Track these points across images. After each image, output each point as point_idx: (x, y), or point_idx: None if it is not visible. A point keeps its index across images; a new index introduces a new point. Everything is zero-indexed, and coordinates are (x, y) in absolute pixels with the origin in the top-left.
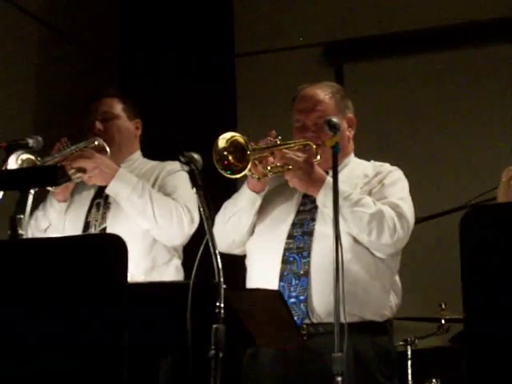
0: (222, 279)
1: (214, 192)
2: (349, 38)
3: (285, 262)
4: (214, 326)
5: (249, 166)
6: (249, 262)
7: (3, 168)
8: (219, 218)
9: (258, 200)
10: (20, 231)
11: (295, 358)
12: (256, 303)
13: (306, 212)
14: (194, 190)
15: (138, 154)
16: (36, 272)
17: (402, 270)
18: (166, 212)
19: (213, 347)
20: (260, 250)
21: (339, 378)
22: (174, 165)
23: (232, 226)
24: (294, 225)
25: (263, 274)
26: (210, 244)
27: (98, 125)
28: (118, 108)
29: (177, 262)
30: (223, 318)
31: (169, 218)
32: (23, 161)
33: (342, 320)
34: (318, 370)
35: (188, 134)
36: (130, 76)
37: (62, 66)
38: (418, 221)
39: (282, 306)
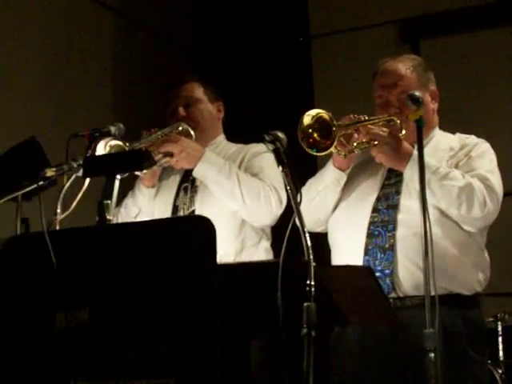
0: (311, 257)
1: (298, 171)
2: (425, 14)
3: (370, 235)
4: (305, 304)
5: (335, 143)
6: (332, 238)
7: (88, 154)
8: (304, 197)
9: (343, 178)
10: (108, 216)
11: (383, 333)
12: (346, 280)
13: (391, 185)
14: (280, 168)
15: (221, 137)
16: (125, 257)
17: (490, 245)
18: (253, 192)
19: (305, 326)
20: (344, 225)
21: (432, 355)
22: (259, 147)
23: (317, 205)
24: (378, 199)
25: (348, 248)
26: (299, 222)
27: (181, 110)
28: (199, 92)
29: (266, 243)
30: (314, 296)
31: (257, 198)
32: (111, 147)
33: (432, 293)
34: (407, 344)
35: (267, 116)
36: (206, 61)
37: (138, 55)
38: (505, 194)
39: (372, 282)
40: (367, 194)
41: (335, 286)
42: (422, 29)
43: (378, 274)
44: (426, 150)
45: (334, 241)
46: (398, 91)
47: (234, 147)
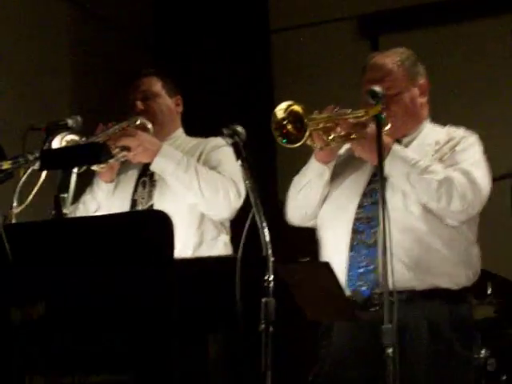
0: (270, 252)
1: (257, 164)
2: (383, 10)
3: (354, 231)
4: (264, 299)
5: (306, 136)
6: (320, 233)
7: (45, 148)
8: (290, 192)
9: (326, 171)
10: (64, 210)
11: (367, 327)
12: (305, 276)
13: (377, 181)
14: (239, 162)
15: (180, 132)
16: (82, 251)
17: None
18: (211, 185)
19: (263, 321)
20: (331, 221)
21: (390, 350)
22: (217, 140)
23: (302, 199)
24: (364, 195)
25: (334, 244)
26: (257, 216)
27: (139, 104)
28: (158, 86)
29: (225, 237)
30: (273, 292)
31: (215, 191)
32: (67, 142)
33: (417, 287)
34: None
35: (226, 110)
36: (165, 54)
37: (97, 47)
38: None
39: (331, 278)
40: (354, 189)
41: (294, 281)
42: (381, 24)
43: (361, 270)
44: (412, 144)
45: (321, 237)
46: (384, 86)
47: (192, 141)
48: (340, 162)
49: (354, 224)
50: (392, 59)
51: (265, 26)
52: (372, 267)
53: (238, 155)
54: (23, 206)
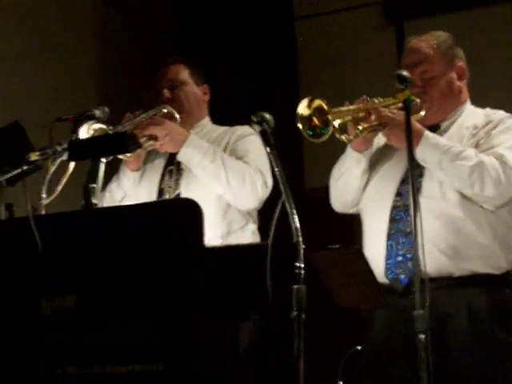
0: (300, 239)
1: (284, 153)
2: None
3: (392, 220)
4: (295, 286)
5: (330, 130)
6: (362, 223)
7: (73, 138)
8: (331, 180)
9: (362, 159)
10: (93, 200)
11: (405, 315)
12: (336, 262)
13: (415, 168)
14: (268, 149)
15: (207, 120)
16: (112, 241)
17: None
18: (238, 175)
19: (295, 308)
20: (369, 208)
21: (422, 336)
22: (244, 129)
23: (342, 187)
24: (402, 182)
25: (372, 232)
26: (287, 203)
27: (166, 93)
28: (185, 74)
29: (252, 226)
30: (304, 279)
31: (242, 182)
32: (95, 131)
33: (455, 274)
34: (431, 326)
35: (252, 99)
36: (189, 43)
37: (121, 37)
38: None
39: (362, 264)
40: (392, 176)
41: (325, 268)
42: (407, 10)
43: (400, 259)
44: (451, 129)
45: (363, 225)
46: (420, 70)
47: (219, 130)
48: (379, 150)
49: (392, 212)
50: (428, 43)
51: (289, 12)
52: (410, 255)
53: (267, 143)
54: (52, 197)
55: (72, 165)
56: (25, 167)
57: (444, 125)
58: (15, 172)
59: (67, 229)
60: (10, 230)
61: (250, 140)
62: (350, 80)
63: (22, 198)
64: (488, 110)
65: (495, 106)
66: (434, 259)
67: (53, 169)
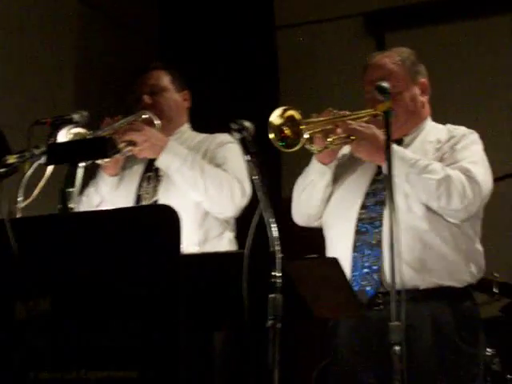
0: (277, 248)
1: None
2: (389, 7)
3: (358, 232)
4: (271, 295)
5: (301, 140)
6: (325, 233)
7: (50, 142)
8: (294, 193)
9: (327, 172)
10: (70, 205)
11: (373, 326)
12: (313, 272)
13: (379, 181)
14: (247, 157)
15: (186, 127)
16: (88, 246)
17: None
18: (216, 183)
19: (270, 318)
20: (334, 221)
21: (397, 348)
22: (224, 136)
23: (306, 200)
24: (367, 194)
25: (337, 244)
26: (264, 212)
27: (147, 98)
28: (166, 80)
29: (230, 234)
30: (280, 288)
31: (220, 190)
32: (74, 135)
33: (420, 286)
34: None
35: (232, 106)
36: (171, 50)
37: (102, 42)
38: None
39: (339, 274)
40: (357, 189)
41: (301, 277)
42: (387, 22)
43: (366, 271)
44: (414, 143)
45: (326, 237)
46: None
47: (198, 137)
48: (343, 162)
49: (357, 225)
50: (392, 59)
51: (270, 22)
52: (376, 267)
53: (246, 150)
54: (29, 200)
55: (50, 169)
56: (1, 170)
57: (407, 139)
58: None
59: (43, 232)
60: None
61: (229, 148)
62: (330, 90)
63: None
64: (449, 125)
65: (483, 113)
66: (400, 272)
67: (29, 172)
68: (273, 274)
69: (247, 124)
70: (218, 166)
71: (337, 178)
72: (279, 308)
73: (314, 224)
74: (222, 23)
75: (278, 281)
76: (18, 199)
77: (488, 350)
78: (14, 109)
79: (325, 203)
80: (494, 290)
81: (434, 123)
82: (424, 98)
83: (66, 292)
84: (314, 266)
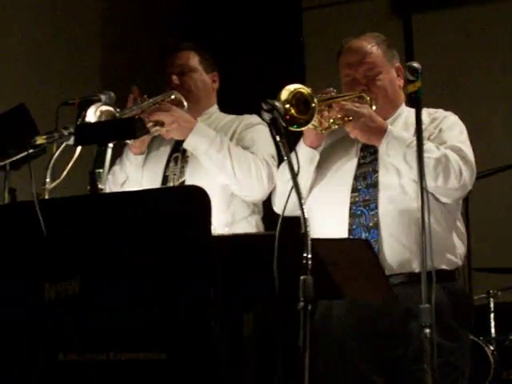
0: (308, 229)
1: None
2: None
3: (352, 215)
4: (302, 277)
5: (314, 118)
6: (312, 219)
7: (79, 123)
8: (278, 180)
9: (316, 156)
10: (100, 186)
11: (369, 310)
12: (343, 253)
13: (367, 164)
14: (278, 138)
15: (215, 108)
16: (118, 227)
17: (484, 221)
18: (244, 166)
19: (301, 299)
20: (324, 207)
21: (427, 330)
22: (252, 118)
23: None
24: (356, 178)
25: (331, 230)
26: (296, 194)
27: (175, 79)
28: (195, 61)
29: (257, 217)
30: (311, 269)
31: (247, 173)
32: (102, 112)
33: (416, 270)
34: (394, 322)
35: (259, 88)
36: (197, 32)
37: (128, 23)
38: (497, 170)
39: (370, 255)
40: (344, 174)
41: (331, 259)
42: (414, 3)
43: None
44: (398, 125)
45: (313, 223)
46: (364, 68)
47: (226, 118)
48: (324, 148)
49: (351, 208)
50: (368, 42)
51: (297, 3)
52: (375, 249)
53: (277, 131)
54: (57, 181)
55: (78, 149)
56: (30, 151)
57: (388, 122)
58: (20, 155)
59: (72, 214)
60: (14, 214)
61: (258, 129)
62: None
63: (24, 182)
64: (426, 109)
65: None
66: (397, 254)
67: (57, 153)
68: (304, 255)
69: (277, 104)
70: (246, 148)
71: (321, 164)
72: (310, 290)
73: (297, 212)
74: (249, 5)
75: (309, 262)
76: (46, 180)
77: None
78: (42, 91)
79: (310, 190)
80: None
81: (409, 108)
82: (400, 82)
83: (95, 273)
84: (344, 247)
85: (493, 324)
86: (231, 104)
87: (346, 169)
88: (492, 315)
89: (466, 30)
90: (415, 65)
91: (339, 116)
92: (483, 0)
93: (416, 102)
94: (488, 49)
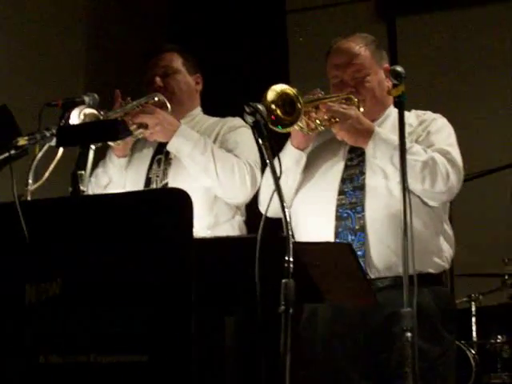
0: (290, 232)
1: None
2: None
3: (339, 218)
4: (284, 280)
5: (300, 119)
6: (297, 222)
7: (62, 124)
8: (264, 182)
9: (303, 158)
10: (81, 187)
11: (353, 316)
12: (326, 256)
13: (354, 167)
14: (260, 141)
15: (198, 110)
16: (99, 229)
17: (466, 226)
18: (228, 169)
19: (283, 303)
20: (311, 209)
21: (408, 334)
22: (235, 121)
23: None
24: (343, 180)
25: (316, 232)
26: (278, 197)
27: (159, 80)
28: (178, 63)
29: (239, 219)
30: (292, 273)
31: (231, 175)
32: (86, 115)
33: (401, 274)
34: (380, 326)
35: (242, 91)
36: (181, 34)
37: (111, 24)
38: (477, 175)
39: (352, 260)
40: (330, 176)
41: (313, 262)
42: (399, 6)
43: None
44: (386, 127)
45: (299, 225)
46: (352, 70)
47: (210, 120)
48: (312, 149)
49: (337, 211)
50: (357, 43)
51: (281, 6)
52: (361, 253)
53: (260, 134)
54: (39, 182)
55: (60, 151)
56: (12, 152)
57: (376, 124)
58: (2, 156)
59: (54, 215)
60: None
61: (241, 132)
62: None
63: (5, 183)
64: (415, 111)
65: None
66: (383, 257)
67: (40, 154)
68: (285, 258)
69: (260, 107)
70: (229, 150)
71: (307, 166)
72: (291, 293)
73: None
74: (233, 7)
75: (291, 266)
76: (29, 182)
77: (499, 336)
78: (24, 92)
79: (296, 192)
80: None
81: (397, 109)
82: (388, 84)
83: (77, 275)
84: (326, 251)
85: (474, 328)
86: (215, 106)
87: (333, 171)
88: (473, 319)
89: (450, 34)
90: (398, 69)
91: (326, 117)
92: (468, 3)
93: (399, 106)
94: (473, 52)
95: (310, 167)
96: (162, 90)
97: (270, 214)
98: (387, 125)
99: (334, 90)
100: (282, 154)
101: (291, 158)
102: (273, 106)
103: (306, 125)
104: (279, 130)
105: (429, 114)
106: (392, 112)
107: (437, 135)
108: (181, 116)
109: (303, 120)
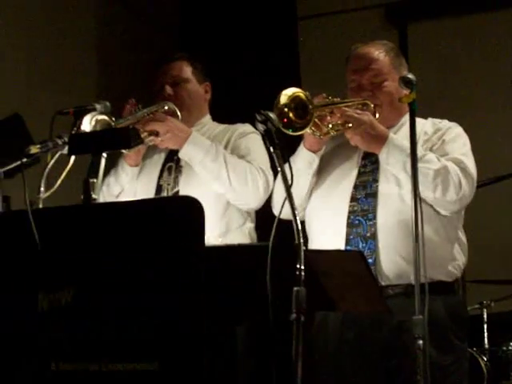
0: (301, 240)
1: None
2: None
3: (350, 225)
4: (295, 288)
5: (311, 122)
6: (310, 227)
7: (74, 132)
8: (277, 183)
9: (315, 160)
10: (93, 195)
11: (364, 324)
12: (337, 264)
13: (368, 173)
14: (272, 149)
15: (207, 118)
16: (111, 237)
17: (477, 232)
18: (240, 175)
19: (294, 311)
20: (323, 215)
21: (420, 342)
22: (245, 127)
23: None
24: (356, 187)
25: (328, 238)
26: (289, 205)
27: (168, 89)
28: (188, 71)
29: (250, 225)
30: (304, 281)
31: (244, 181)
32: (97, 121)
33: (412, 282)
34: (390, 333)
35: (253, 98)
36: (190, 41)
37: (123, 32)
38: (490, 181)
39: (364, 268)
40: (343, 182)
41: (324, 270)
42: (410, 12)
43: None
44: (401, 134)
45: (312, 230)
46: (370, 75)
47: (219, 127)
48: (326, 153)
49: (349, 217)
50: (376, 48)
51: (292, 12)
52: (371, 260)
53: (271, 142)
54: (51, 190)
55: (72, 159)
56: (24, 160)
57: (392, 131)
58: (14, 164)
59: (66, 223)
60: (7, 222)
61: (252, 138)
62: None
63: (19, 191)
64: (432, 119)
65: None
66: (394, 265)
67: (52, 162)
68: (297, 266)
69: (272, 115)
70: (241, 156)
71: (321, 170)
72: (303, 301)
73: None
74: (244, 14)
75: (302, 273)
76: (40, 189)
77: (510, 344)
78: (36, 99)
79: (308, 194)
80: None
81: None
82: (406, 91)
83: (89, 283)
84: (338, 259)
85: (486, 335)
86: (226, 114)
87: (346, 177)
88: (485, 326)
89: (462, 39)
90: (410, 76)
91: (340, 122)
92: (480, 9)
93: (410, 113)
94: (485, 58)
95: (322, 171)
96: (172, 98)
97: (283, 216)
98: (402, 132)
99: (351, 95)
100: (294, 156)
101: (303, 159)
102: (285, 109)
103: (318, 129)
104: (290, 132)
105: (445, 123)
106: (408, 120)
107: (451, 144)
108: (190, 124)
109: (318, 124)
